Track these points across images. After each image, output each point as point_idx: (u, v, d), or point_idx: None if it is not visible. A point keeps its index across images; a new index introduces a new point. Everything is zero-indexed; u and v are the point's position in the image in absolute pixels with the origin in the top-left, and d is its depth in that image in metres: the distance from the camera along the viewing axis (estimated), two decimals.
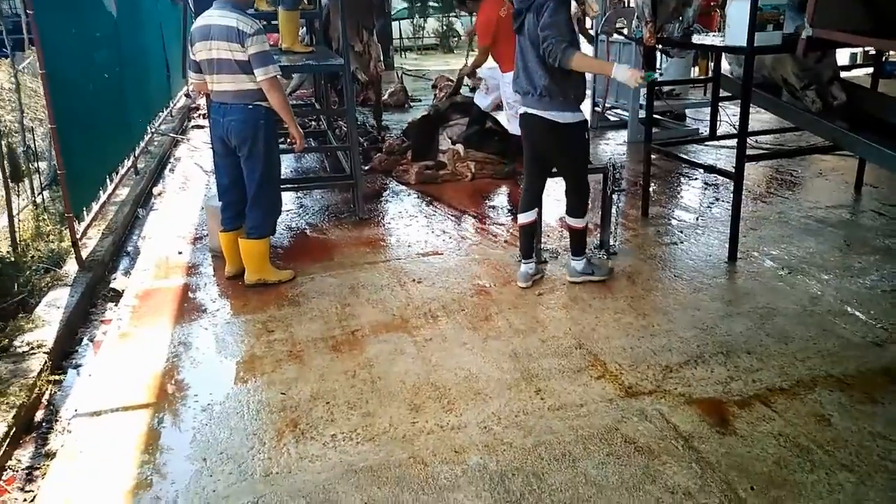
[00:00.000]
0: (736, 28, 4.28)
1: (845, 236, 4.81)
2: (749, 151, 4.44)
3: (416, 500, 2.46)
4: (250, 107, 3.93)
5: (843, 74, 5.11)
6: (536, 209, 4.19)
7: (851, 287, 4.02)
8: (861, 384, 3.08)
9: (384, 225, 5.35)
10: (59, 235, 4.73)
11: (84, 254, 4.48)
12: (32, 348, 3.40)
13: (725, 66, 5.86)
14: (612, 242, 4.62)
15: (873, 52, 6.91)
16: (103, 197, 5.44)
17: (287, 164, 7.23)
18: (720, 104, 5.94)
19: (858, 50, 12.10)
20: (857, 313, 3.71)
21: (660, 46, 5.92)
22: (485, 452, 2.70)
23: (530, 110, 3.86)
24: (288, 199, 5.94)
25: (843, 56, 12.85)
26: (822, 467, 2.57)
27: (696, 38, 5.28)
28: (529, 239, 4.20)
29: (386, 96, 9.99)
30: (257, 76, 3.83)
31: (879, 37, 3.90)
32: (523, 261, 4.20)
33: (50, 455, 2.81)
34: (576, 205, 4.07)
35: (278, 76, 3.92)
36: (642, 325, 3.65)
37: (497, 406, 2.99)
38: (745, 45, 4.12)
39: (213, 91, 4.00)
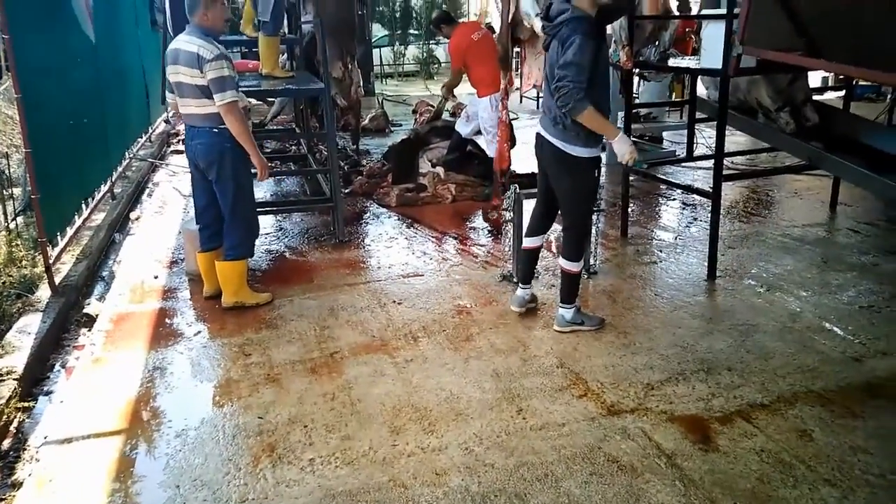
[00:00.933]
0: (711, 51, 4.36)
1: (822, 254, 4.86)
2: (725, 172, 4.49)
3: None
4: (216, 130, 3.91)
5: (815, 97, 5.21)
6: (542, 235, 3.96)
7: (829, 303, 4.05)
8: (841, 399, 3.08)
9: (364, 247, 5.32)
10: (32, 261, 4.64)
11: (57, 279, 4.40)
12: (1, 375, 3.31)
13: (702, 89, 5.94)
14: (592, 262, 4.62)
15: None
16: (78, 222, 5.36)
17: (267, 188, 7.20)
18: (696, 126, 6.02)
19: (830, 73, 12.37)
20: (836, 329, 3.73)
21: (637, 70, 6.03)
22: (466, 474, 2.65)
23: (542, 132, 3.66)
24: (267, 222, 5.91)
25: (815, 79, 13.14)
26: (804, 482, 2.56)
27: (673, 62, 5.37)
28: (529, 264, 4.02)
29: (367, 121, 10.02)
30: (216, 101, 3.80)
31: (810, 56, 3.96)
32: (521, 285, 4.06)
33: (16, 485, 2.71)
34: (570, 245, 3.74)
35: (238, 101, 3.86)
36: (623, 344, 3.64)
37: (479, 427, 2.95)
38: (720, 67, 4.18)
39: (182, 114, 4.02)
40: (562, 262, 3.79)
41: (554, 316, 3.87)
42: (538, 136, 3.76)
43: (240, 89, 4.08)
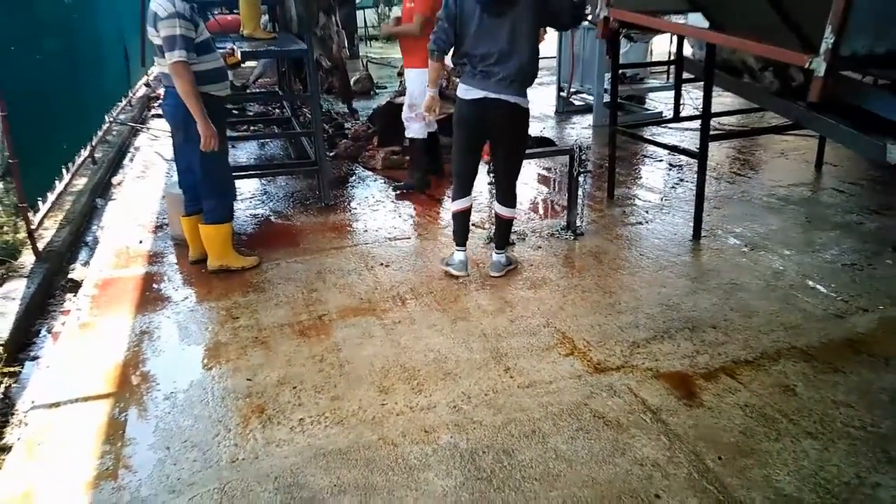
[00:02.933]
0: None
1: (806, 213, 4.90)
2: (712, 133, 4.49)
3: (387, 481, 2.43)
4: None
5: None
6: (471, 195, 4.02)
7: (813, 262, 4.09)
8: (824, 355, 3.13)
9: (350, 210, 5.29)
10: (14, 227, 4.57)
11: (41, 245, 4.35)
12: None
13: (688, 49, 5.90)
14: (578, 223, 4.63)
15: None
16: (59, 187, 5.29)
17: (250, 151, 7.12)
18: (683, 87, 5.99)
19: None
20: (819, 287, 3.78)
21: (623, 31, 5.96)
22: (455, 431, 2.68)
23: (493, 94, 3.63)
24: (252, 186, 5.85)
25: None
26: (787, 436, 2.61)
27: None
28: (466, 225, 4.05)
29: (351, 83, 9.88)
30: (165, 60, 3.69)
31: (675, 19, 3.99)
32: (458, 248, 4.05)
33: (5, 449, 2.71)
34: (514, 192, 3.98)
35: (184, 61, 3.67)
36: (609, 303, 3.67)
37: (467, 385, 2.97)
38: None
39: (158, 73, 3.93)
40: (504, 210, 3.99)
41: (490, 263, 4.09)
42: (483, 101, 3.68)
43: (217, 50, 3.99)
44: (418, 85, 5.21)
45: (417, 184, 5.57)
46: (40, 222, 4.59)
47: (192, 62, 3.72)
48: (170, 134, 4.23)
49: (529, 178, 5.93)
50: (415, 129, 5.51)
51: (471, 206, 4.04)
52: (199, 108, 3.75)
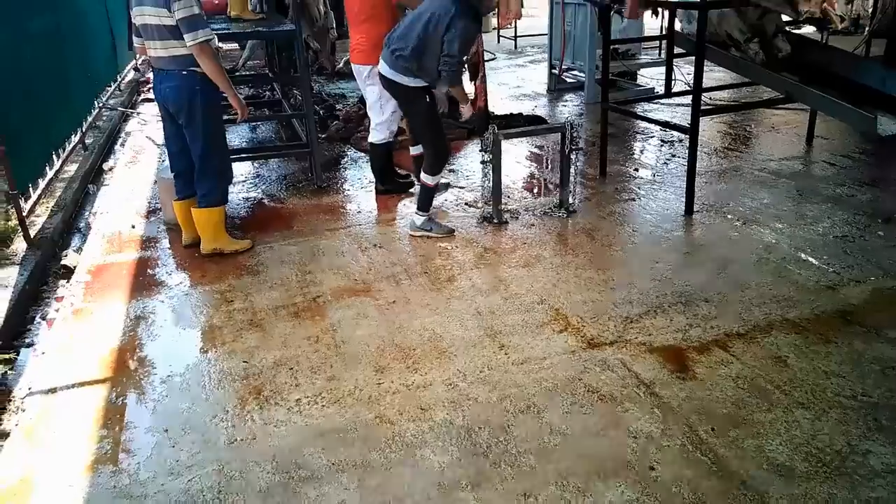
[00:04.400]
0: None
1: (798, 187, 4.91)
2: (703, 107, 4.48)
3: (384, 458, 2.46)
4: (184, 73, 3.80)
5: (794, 31, 5.17)
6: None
7: (804, 235, 4.11)
8: (815, 326, 3.16)
9: (343, 192, 5.28)
10: (5, 214, 4.56)
11: (32, 232, 4.33)
12: None
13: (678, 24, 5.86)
14: (571, 200, 4.63)
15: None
16: (50, 173, 5.25)
17: (242, 134, 7.08)
18: (674, 62, 5.96)
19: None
20: (811, 259, 3.80)
21: (615, 6, 5.91)
22: (451, 409, 2.70)
23: (383, 71, 4.15)
24: (244, 169, 5.83)
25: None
26: (779, 406, 2.64)
27: None
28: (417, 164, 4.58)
29: (342, 65, 9.80)
30: (186, 41, 3.68)
31: None
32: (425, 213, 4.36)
33: (4, 435, 2.72)
34: (427, 160, 4.31)
35: (211, 41, 3.74)
36: (603, 280, 3.68)
37: (462, 363, 2.99)
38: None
39: (151, 57, 3.90)
40: (421, 175, 4.38)
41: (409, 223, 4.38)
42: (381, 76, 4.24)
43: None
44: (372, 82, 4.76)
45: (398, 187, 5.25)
46: (31, 209, 4.57)
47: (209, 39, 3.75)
48: (160, 118, 4.21)
49: (521, 157, 5.92)
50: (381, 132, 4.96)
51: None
52: (229, 83, 3.92)
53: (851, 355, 2.94)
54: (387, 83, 4.21)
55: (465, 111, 4.34)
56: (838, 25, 3.82)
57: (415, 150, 4.81)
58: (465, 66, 4.33)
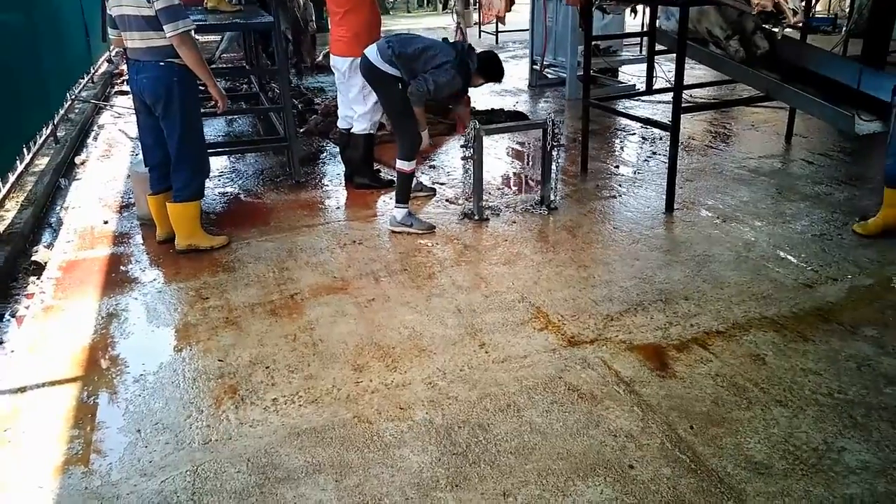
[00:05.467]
0: None
1: (777, 185, 4.94)
2: (684, 105, 4.49)
3: (362, 458, 2.42)
4: (162, 64, 3.73)
5: (773, 30, 5.19)
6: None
7: (783, 232, 4.14)
8: (793, 324, 3.18)
9: (322, 187, 5.22)
10: None
11: (1, 227, 4.24)
12: None
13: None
14: (552, 197, 4.62)
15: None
16: (20, 167, 5.14)
17: (218, 128, 6.98)
18: (655, 59, 5.97)
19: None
20: (789, 257, 3.82)
21: (596, 3, 5.91)
22: (430, 408, 2.67)
23: (370, 56, 4.14)
24: (221, 163, 5.74)
25: None
26: (757, 404, 2.64)
27: None
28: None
29: (321, 58, 9.71)
30: (166, 32, 3.63)
31: None
32: (404, 205, 4.35)
33: None
34: (400, 144, 4.26)
35: (190, 31, 3.70)
36: (583, 277, 3.67)
37: (442, 362, 2.96)
38: None
39: (128, 48, 3.82)
40: (397, 163, 4.26)
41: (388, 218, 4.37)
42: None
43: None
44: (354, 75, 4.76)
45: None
46: (1, 203, 4.46)
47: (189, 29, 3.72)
48: (134, 111, 4.12)
49: (502, 153, 5.90)
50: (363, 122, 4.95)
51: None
52: (210, 74, 3.89)
53: (829, 353, 2.95)
54: (367, 69, 4.18)
55: (425, 137, 4.30)
56: (791, 20, 3.76)
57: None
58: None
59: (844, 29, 9.10)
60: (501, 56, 4.29)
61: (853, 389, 2.71)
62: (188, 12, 3.79)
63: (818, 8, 12.22)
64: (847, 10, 10.21)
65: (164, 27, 3.61)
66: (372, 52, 4.15)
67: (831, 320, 3.20)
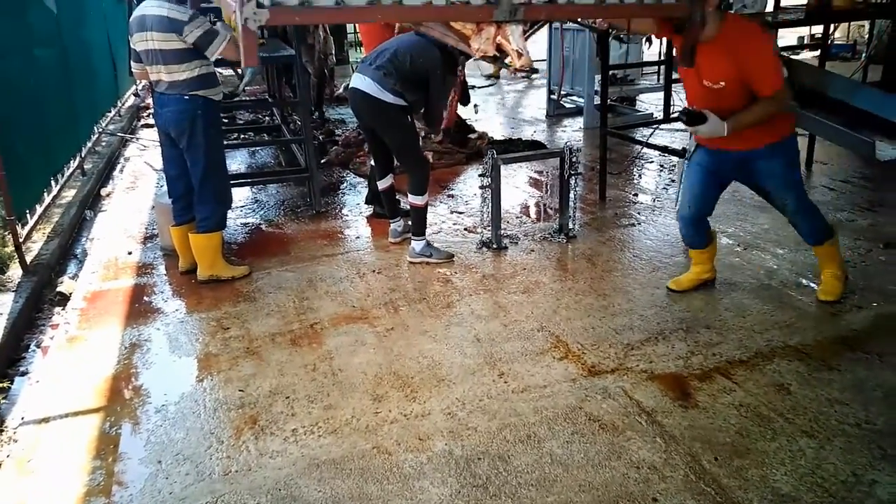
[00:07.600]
0: None
1: None
2: None
3: (381, 491, 2.41)
4: (186, 97, 3.82)
5: (792, 56, 5.20)
6: (390, 175, 4.58)
7: (805, 260, 4.09)
8: (818, 353, 3.13)
9: (342, 217, 5.27)
10: (1, 240, 4.53)
11: (28, 258, 4.31)
12: None
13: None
14: (570, 225, 4.62)
15: (820, 34, 7.06)
16: (48, 199, 5.25)
17: (241, 159, 7.09)
18: (673, 87, 5.99)
19: (805, 31, 12.38)
20: (812, 285, 3.77)
21: (612, 31, 5.96)
22: (450, 438, 2.66)
23: (366, 89, 4.03)
24: (243, 194, 5.82)
25: (791, 38, 13.14)
26: (783, 435, 2.60)
27: None
28: (393, 200, 4.66)
29: (341, 90, 9.87)
30: (209, 57, 3.78)
31: None
32: (391, 221, 4.63)
33: None
34: (412, 180, 4.28)
35: (231, 35, 3.73)
36: (603, 306, 3.65)
37: (461, 392, 2.95)
38: None
39: (153, 81, 3.92)
40: (409, 196, 4.31)
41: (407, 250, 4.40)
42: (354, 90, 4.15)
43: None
44: None
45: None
46: (28, 235, 4.55)
47: (206, 63, 3.82)
48: (159, 143, 4.21)
49: (521, 182, 5.92)
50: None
51: (391, 184, 4.63)
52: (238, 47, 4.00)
53: (855, 382, 2.90)
54: (369, 103, 4.04)
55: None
56: (517, 63, 3.11)
57: (383, 185, 4.60)
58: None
59: (864, 55, 9.08)
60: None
61: (881, 420, 2.66)
62: (216, 24, 3.87)
63: (837, 35, 12.21)
64: (866, 36, 10.19)
65: (206, 53, 3.74)
66: (367, 84, 4.01)
67: (857, 348, 3.15)
